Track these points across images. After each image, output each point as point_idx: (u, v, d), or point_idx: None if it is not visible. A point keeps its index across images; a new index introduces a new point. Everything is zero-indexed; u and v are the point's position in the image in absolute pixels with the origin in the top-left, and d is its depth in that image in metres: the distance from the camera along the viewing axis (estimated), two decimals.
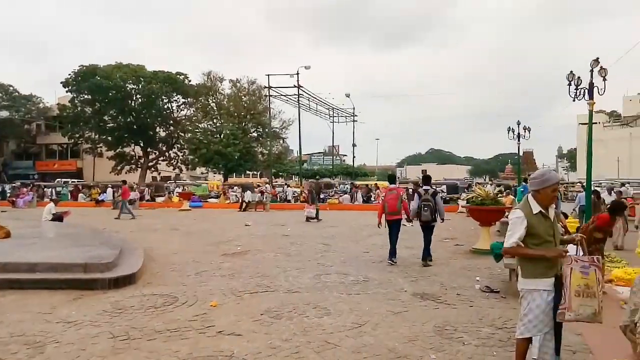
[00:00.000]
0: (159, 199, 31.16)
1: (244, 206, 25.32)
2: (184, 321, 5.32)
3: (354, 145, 51.15)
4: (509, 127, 26.24)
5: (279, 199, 30.52)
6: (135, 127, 45.93)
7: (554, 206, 3.81)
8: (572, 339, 4.61)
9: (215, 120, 48.73)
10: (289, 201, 30.11)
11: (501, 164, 78.68)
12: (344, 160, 68.66)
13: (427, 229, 9.37)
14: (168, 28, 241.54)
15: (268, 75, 39.04)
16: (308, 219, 18.61)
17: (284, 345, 4.57)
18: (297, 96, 40.12)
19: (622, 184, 26.63)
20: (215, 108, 48.71)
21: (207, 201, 30.30)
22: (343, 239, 13.09)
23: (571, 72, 11.80)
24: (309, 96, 42.87)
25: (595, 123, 33.87)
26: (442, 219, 9.61)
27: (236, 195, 30.40)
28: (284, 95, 41.73)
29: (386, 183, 12.08)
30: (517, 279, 3.87)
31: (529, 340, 3.62)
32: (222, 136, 44.88)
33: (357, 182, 40.23)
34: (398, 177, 73.19)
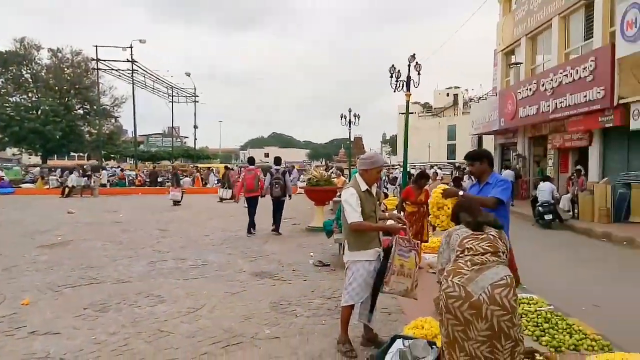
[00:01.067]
0: None
1: (67, 191, 22.64)
2: None
3: (195, 126, 49.30)
4: (342, 114, 28.10)
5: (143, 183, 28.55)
6: None
7: (377, 185, 4.27)
8: (388, 302, 5.20)
9: (30, 94, 42.30)
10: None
11: (336, 147, 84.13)
12: (185, 142, 65.91)
13: (278, 204, 10.58)
14: None
15: (96, 46, 35.15)
16: (174, 202, 18.27)
17: (111, 339, 4.25)
18: (130, 71, 36.95)
19: (432, 167, 30.74)
20: (30, 80, 42.22)
21: (20, 187, 26.33)
22: (182, 223, 12.65)
23: (392, 65, 13.09)
24: (145, 72, 39.83)
25: (412, 113, 38.27)
26: (290, 196, 10.82)
27: (57, 180, 26.97)
28: (116, 70, 38.06)
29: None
30: (343, 252, 4.21)
31: (352, 307, 3.98)
32: (39, 112, 39.24)
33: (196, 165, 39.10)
34: (241, 160, 73.63)
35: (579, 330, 4.25)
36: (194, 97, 48.73)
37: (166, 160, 48.96)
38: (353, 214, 3.86)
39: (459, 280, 2.49)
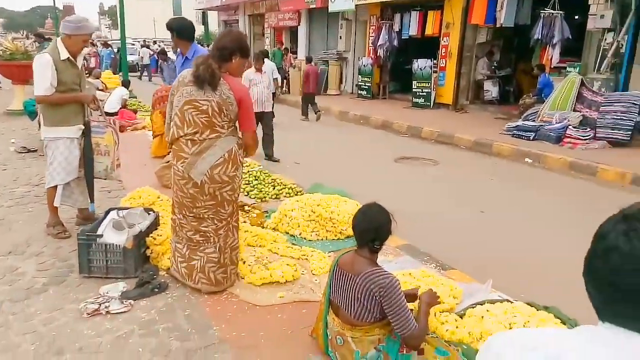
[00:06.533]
0: None
1: None
2: None
3: None
4: None
5: None
6: None
7: (82, 55, 3.82)
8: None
9: None
10: None
11: (40, 17, 69.41)
12: None
13: None
14: None
15: None
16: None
17: None
18: None
19: (155, 42, 28.81)
20: None
21: None
22: None
23: None
24: None
25: None
26: None
27: None
28: None
29: None
30: (40, 129, 3.77)
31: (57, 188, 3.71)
32: None
33: None
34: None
35: (280, 183, 5.12)
36: None
37: None
38: (41, 85, 3.41)
39: (181, 166, 2.59)
